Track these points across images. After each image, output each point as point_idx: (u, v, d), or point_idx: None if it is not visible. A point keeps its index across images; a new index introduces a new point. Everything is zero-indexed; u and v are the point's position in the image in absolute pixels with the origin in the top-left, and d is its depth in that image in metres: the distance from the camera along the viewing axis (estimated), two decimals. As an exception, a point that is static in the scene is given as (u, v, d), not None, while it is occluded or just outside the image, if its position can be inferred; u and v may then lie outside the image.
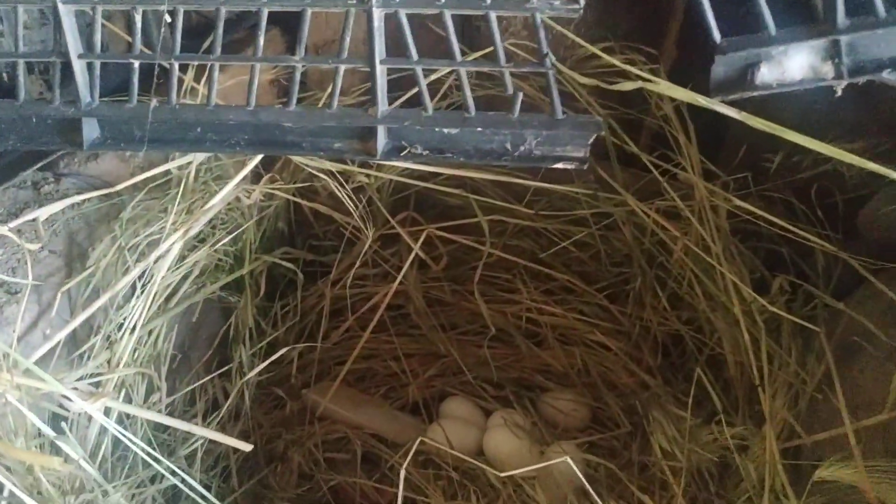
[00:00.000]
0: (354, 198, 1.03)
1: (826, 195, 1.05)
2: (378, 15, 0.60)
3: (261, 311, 1.17)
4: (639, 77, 0.58)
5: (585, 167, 0.63)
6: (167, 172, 0.91)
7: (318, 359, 1.23)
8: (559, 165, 0.63)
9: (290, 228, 1.28)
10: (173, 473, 0.65)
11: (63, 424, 0.70)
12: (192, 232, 0.88)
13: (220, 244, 0.99)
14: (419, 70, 0.62)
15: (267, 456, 1.12)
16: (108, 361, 0.80)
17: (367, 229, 1.07)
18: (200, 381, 1.02)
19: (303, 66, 0.64)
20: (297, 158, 1.02)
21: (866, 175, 0.76)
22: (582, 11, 0.57)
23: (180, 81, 0.79)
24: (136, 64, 0.65)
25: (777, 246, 1.07)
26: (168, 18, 0.64)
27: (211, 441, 0.97)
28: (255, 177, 1.03)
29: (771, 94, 0.60)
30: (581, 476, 0.86)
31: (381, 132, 0.64)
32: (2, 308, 0.71)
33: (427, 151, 0.65)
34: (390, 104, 0.66)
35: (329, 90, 0.65)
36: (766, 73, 0.54)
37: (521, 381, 1.27)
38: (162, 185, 0.92)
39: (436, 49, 0.63)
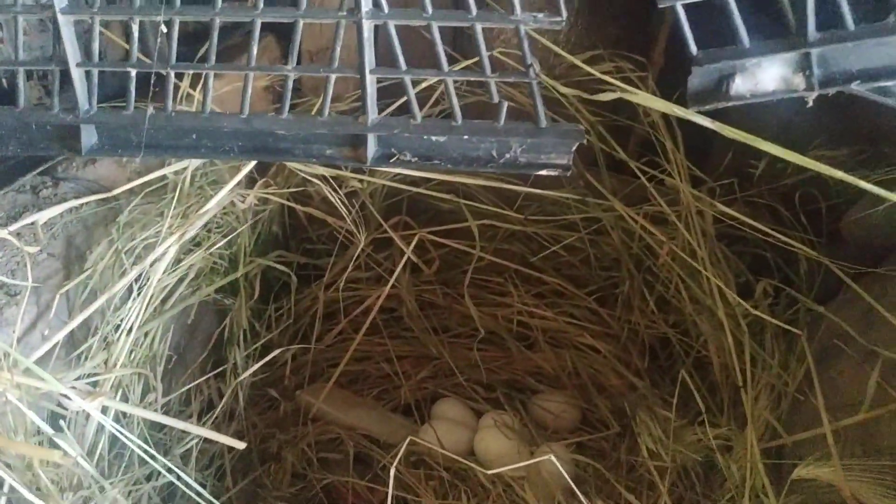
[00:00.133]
0: (347, 202, 1.04)
1: (810, 201, 1.07)
2: (368, 26, 0.62)
3: (255, 314, 1.19)
4: (617, 87, 0.60)
5: (569, 174, 0.65)
6: (163, 177, 0.92)
7: (312, 361, 1.25)
8: (543, 172, 0.65)
9: (285, 232, 1.30)
10: (169, 471, 0.67)
11: (61, 423, 0.72)
12: (188, 235, 0.89)
13: (215, 248, 1.01)
14: (408, 79, 0.64)
15: (261, 455, 1.13)
16: (105, 362, 0.81)
17: (359, 233, 1.08)
18: (196, 382, 1.03)
19: (295, 75, 0.66)
20: (290, 164, 1.03)
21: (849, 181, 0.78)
22: (565, 24, 0.59)
23: (176, 88, 0.81)
24: (134, 72, 0.67)
25: (762, 250, 1.09)
26: (164, 28, 0.66)
27: (205, 441, 0.98)
28: (250, 181, 1.05)
29: (756, 104, 0.62)
30: (566, 475, 0.88)
31: (371, 140, 0.66)
32: (1, 309, 0.73)
33: (416, 158, 0.67)
34: (383, 110, 0.68)
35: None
36: (741, 84, 0.57)
37: (512, 384, 1.29)
38: (158, 190, 0.93)
39: (428, 55, 0.65)
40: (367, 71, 0.63)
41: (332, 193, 1.02)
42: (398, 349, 1.30)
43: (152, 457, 0.66)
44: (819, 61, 0.56)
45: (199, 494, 0.68)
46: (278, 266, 1.18)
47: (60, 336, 0.74)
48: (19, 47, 0.68)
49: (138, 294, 0.86)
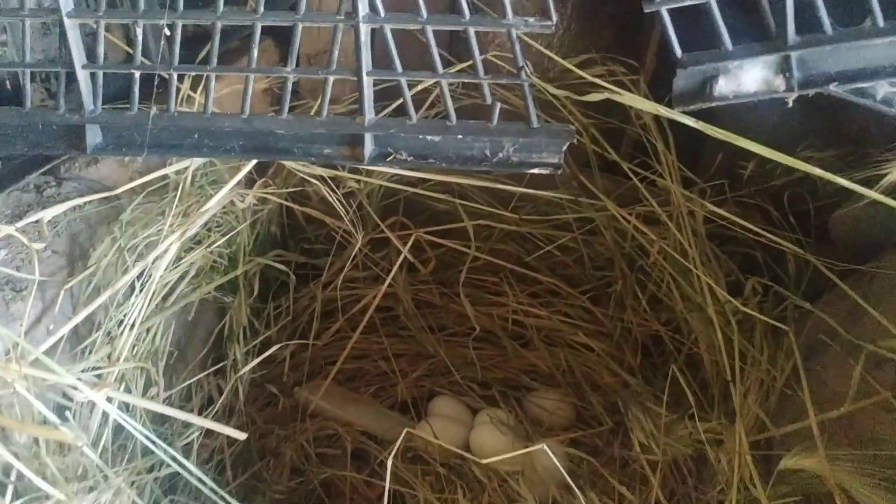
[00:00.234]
0: (345, 202, 1.06)
1: (799, 201, 1.09)
2: (364, 30, 0.64)
3: (254, 312, 1.20)
4: (605, 88, 0.62)
5: (560, 172, 0.67)
6: (165, 177, 0.93)
7: (310, 358, 1.26)
8: (535, 171, 0.68)
9: (283, 232, 1.32)
10: (172, 460, 0.69)
11: (67, 413, 0.74)
12: (189, 234, 0.91)
13: (215, 246, 1.02)
14: (403, 81, 0.66)
15: (260, 450, 1.14)
16: (109, 356, 0.83)
17: (357, 233, 1.09)
18: (196, 378, 1.04)
19: (294, 77, 0.68)
20: (289, 164, 1.05)
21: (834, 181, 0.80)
22: (556, 28, 0.61)
23: (178, 90, 0.83)
24: (137, 74, 0.70)
25: (752, 250, 1.11)
26: (167, 32, 0.68)
27: (206, 435, 1.00)
28: (249, 181, 1.06)
29: (747, 107, 0.64)
30: (561, 468, 0.90)
31: (368, 139, 0.69)
32: (8, 304, 0.75)
33: (411, 157, 0.69)
34: (380, 111, 0.70)
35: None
36: (724, 86, 0.59)
37: (508, 381, 1.30)
38: (160, 189, 0.94)
39: (425, 57, 0.66)
40: (364, 73, 0.66)
41: (330, 194, 1.04)
42: (395, 347, 1.32)
43: (156, 446, 0.68)
44: (798, 64, 0.59)
45: (201, 482, 0.69)
46: (277, 265, 1.20)
47: (65, 330, 0.75)
48: (26, 50, 0.71)
49: (140, 290, 0.88)
